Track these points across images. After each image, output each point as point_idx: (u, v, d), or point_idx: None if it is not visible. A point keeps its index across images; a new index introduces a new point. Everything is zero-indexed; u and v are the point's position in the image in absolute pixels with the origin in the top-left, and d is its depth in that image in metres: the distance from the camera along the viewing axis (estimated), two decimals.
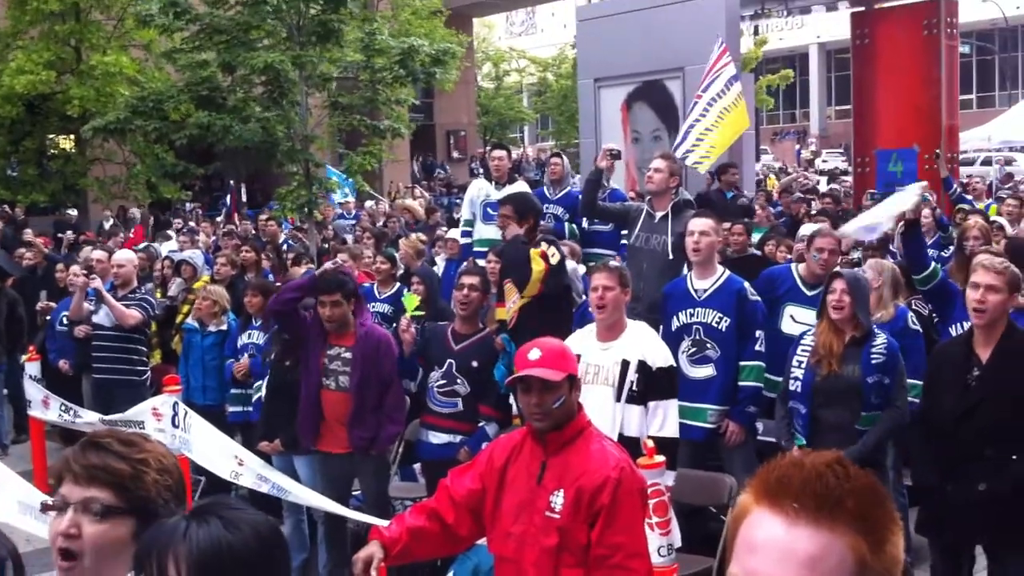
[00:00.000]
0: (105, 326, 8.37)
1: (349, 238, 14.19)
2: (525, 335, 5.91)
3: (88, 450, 2.02)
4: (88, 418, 7.87)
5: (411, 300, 6.85)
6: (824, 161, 39.72)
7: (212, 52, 13.87)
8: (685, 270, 6.55)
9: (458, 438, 6.21)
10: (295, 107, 13.82)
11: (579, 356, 4.58)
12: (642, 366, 4.94)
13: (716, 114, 10.28)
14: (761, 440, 6.12)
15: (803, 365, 5.36)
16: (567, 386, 3.47)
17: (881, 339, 5.31)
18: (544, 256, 6.38)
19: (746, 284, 6.06)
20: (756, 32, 31.76)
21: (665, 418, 4.94)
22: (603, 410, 4.78)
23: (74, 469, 2.00)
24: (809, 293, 6.28)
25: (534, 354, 3.50)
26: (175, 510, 2.00)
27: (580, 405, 3.59)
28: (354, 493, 6.52)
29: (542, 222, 7.56)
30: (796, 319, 6.29)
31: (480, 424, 6.21)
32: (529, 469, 3.53)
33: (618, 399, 4.94)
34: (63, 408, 8.08)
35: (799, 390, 5.35)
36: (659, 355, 5.03)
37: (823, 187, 20.67)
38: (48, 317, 9.74)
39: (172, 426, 6.54)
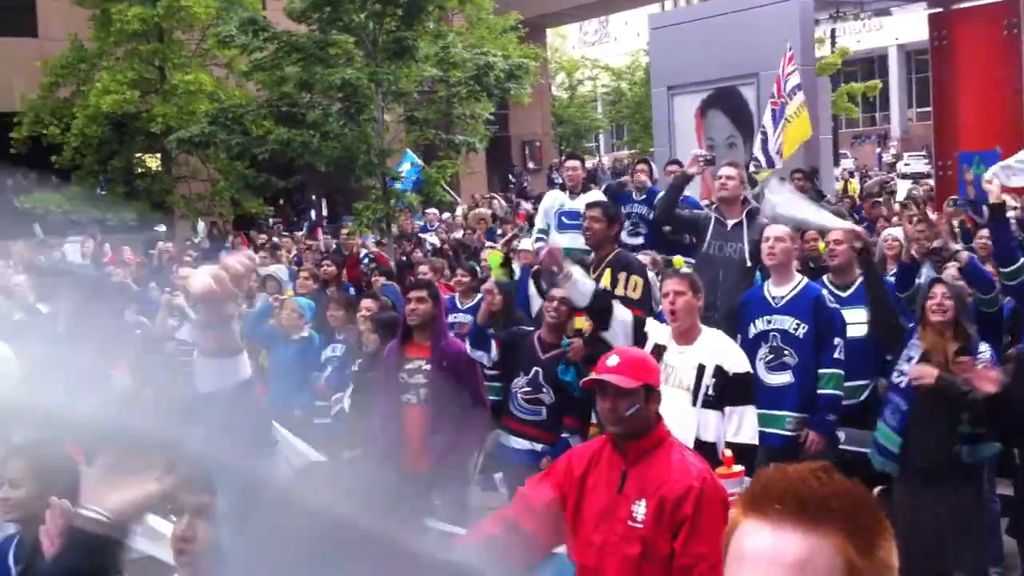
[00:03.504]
0: (189, 341, 8.56)
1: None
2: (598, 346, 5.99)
3: None
4: None
5: (494, 258, 7.07)
6: (906, 164, 38.90)
7: (291, 68, 14.14)
8: (759, 278, 6.53)
9: (539, 446, 6.23)
10: (372, 122, 14.03)
11: (657, 346, 4.77)
12: (719, 371, 4.92)
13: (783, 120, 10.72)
14: (842, 449, 6.07)
15: (912, 360, 5.36)
16: (642, 395, 3.50)
17: (984, 348, 5.35)
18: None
19: (824, 292, 6.04)
20: (833, 36, 31.16)
21: (741, 423, 4.90)
22: (678, 413, 4.72)
23: None
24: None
25: (612, 360, 3.57)
26: None
27: (659, 416, 3.61)
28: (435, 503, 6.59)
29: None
30: None
31: (564, 435, 6.20)
32: (609, 478, 3.55)
33: (694, 403, 4.92)
34: None
35: (903, 384, 5.38)
36: (736, 361, 5.01)
37: (902, 193, 20.26)
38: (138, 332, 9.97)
39: None
